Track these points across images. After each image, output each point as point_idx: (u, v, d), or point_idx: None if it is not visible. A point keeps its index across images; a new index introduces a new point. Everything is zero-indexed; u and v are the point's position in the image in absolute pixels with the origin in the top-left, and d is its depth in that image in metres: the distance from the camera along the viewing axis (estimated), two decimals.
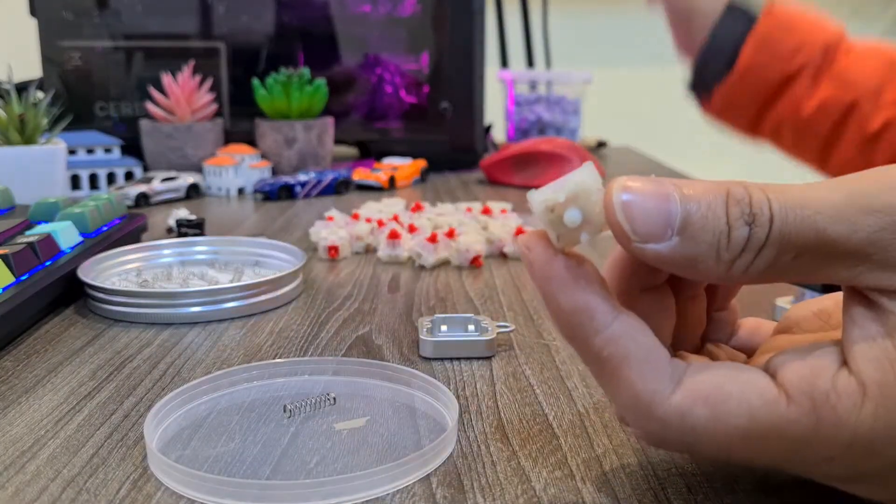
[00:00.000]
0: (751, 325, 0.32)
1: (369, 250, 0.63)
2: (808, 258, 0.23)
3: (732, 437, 0.23)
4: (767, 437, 0.23)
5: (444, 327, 0.41)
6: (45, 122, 0.76)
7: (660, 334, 0.25)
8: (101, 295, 0.47)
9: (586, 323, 0.24)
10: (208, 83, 0.94)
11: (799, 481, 0.28)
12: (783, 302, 0.45)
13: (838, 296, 0.25)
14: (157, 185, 0.81)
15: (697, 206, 0.23)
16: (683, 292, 0.29)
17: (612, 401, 0.26)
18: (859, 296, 0.24)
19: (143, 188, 0.80)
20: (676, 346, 0.30)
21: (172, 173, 0.84)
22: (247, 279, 0.51)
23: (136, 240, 0.60)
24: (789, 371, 0.23)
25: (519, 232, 0.61)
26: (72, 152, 0.84)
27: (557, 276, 0.24)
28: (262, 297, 0.48)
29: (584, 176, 0.24)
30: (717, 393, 0.23)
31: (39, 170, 0.73)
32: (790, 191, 0.23)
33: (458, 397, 0.36)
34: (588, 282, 0.24)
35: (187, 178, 0.84)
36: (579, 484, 0.28)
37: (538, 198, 0.24)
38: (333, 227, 0.63)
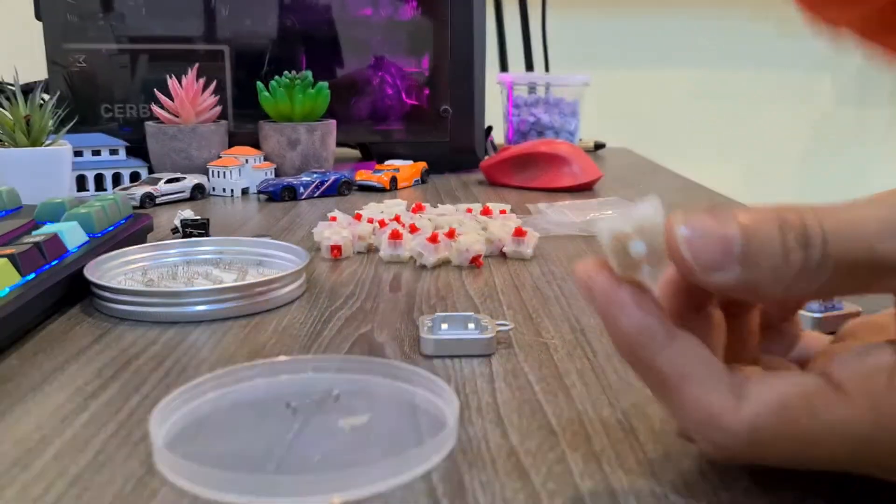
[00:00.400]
0: (809, 338, 0.33)
1: (371, 250, 0.63)
2: (861, 273, 0.24)
3: (800, 442, 0.24)
4: (833, 439, 0.24)
5: (444, 326, 0.42)
6: (50, 123, 0.76)
7: (713, 351, 0.26)
8: (106, 294, 0.47)
9: (649, 343, 0.25)
10: (212, 86, 0.94)
11: (794, 480, 0.28)
12: None
13: (893, 311, 0.27)
14: (162, 185, 0.82)
15: (755, 234, 0.24)
16: (736, 309, 0.30)
17: (676, 417, 0.26)
18: None
19: (148, 189, 0.80)
20: (731, 360, 0.30)
21: (177, 174, 0.85)
22: (251, 278, 0.52)
23: (142, 240, 0.61)
24: (846, 371, 0.24)
25: (518, 232, 0.61)
26: (78, 154, 0.84)
27: (620, 301, 0.25)
28: (266, 297, 0.48)
29: (650, 209, 0.25)
30: (782, 401, 0.24)
31: (45, 171, 0.73)
32: (838, 211, 0.24)
33: (458, 394, 0.36)
34: (648, 305, 0.25)
35: (192, 179, 0.85)
36: (577, 480, 0.29)
37: (606, 226, 0.25)
38: (336, 227, 0.63)
